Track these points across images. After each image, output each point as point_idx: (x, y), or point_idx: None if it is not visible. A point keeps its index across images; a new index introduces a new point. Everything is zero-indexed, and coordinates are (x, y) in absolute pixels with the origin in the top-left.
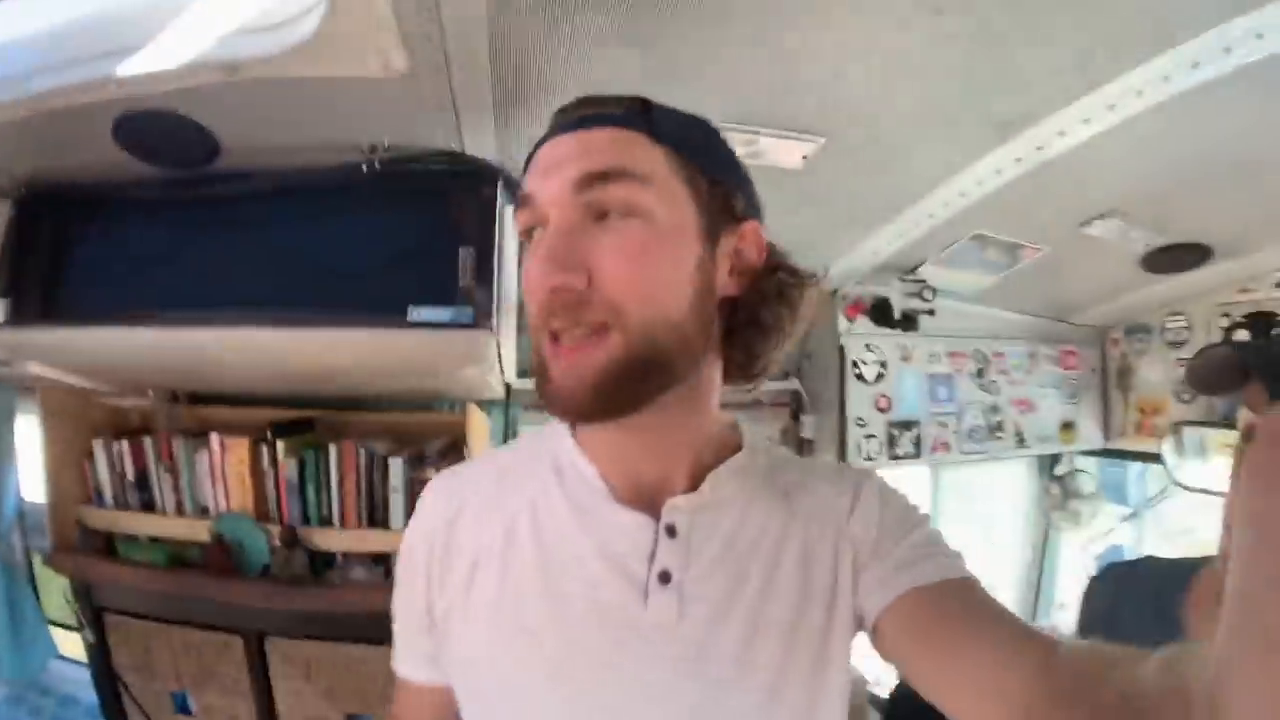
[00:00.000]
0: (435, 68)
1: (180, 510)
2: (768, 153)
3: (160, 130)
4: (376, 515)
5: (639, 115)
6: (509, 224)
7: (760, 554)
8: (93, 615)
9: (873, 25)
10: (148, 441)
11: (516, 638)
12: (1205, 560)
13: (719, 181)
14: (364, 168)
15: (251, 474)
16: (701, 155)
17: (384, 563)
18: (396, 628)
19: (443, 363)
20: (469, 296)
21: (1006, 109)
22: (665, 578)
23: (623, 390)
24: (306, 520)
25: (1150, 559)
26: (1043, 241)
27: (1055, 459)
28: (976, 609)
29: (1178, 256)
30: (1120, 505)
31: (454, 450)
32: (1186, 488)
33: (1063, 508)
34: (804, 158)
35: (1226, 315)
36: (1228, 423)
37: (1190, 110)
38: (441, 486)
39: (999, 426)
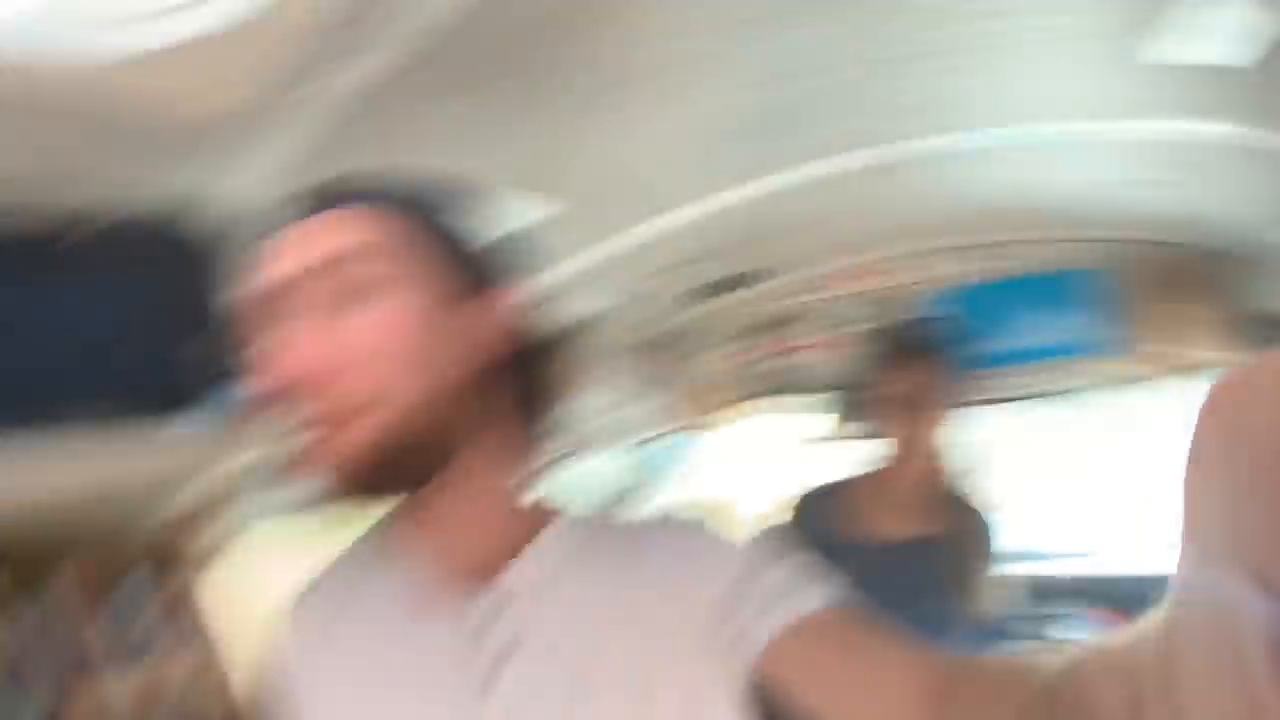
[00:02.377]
0: (269, 115)
1: None
2: None
3: None
4: None
5: (366, 197)
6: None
7: (599, 628)
8: None
9: None
10: None
11: None
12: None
13: (459, 255)
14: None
15: None
16: (432, 230)
17: None
18: None
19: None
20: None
21: None
22: (500, 661)
23: (375, 472)
24: None
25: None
26: None
27: None
28: (853, 638)
29: None
30: None
31: None
32: None
33: None
34: None
35: None
36: None
37: None
38: (304, 602)
39: None
